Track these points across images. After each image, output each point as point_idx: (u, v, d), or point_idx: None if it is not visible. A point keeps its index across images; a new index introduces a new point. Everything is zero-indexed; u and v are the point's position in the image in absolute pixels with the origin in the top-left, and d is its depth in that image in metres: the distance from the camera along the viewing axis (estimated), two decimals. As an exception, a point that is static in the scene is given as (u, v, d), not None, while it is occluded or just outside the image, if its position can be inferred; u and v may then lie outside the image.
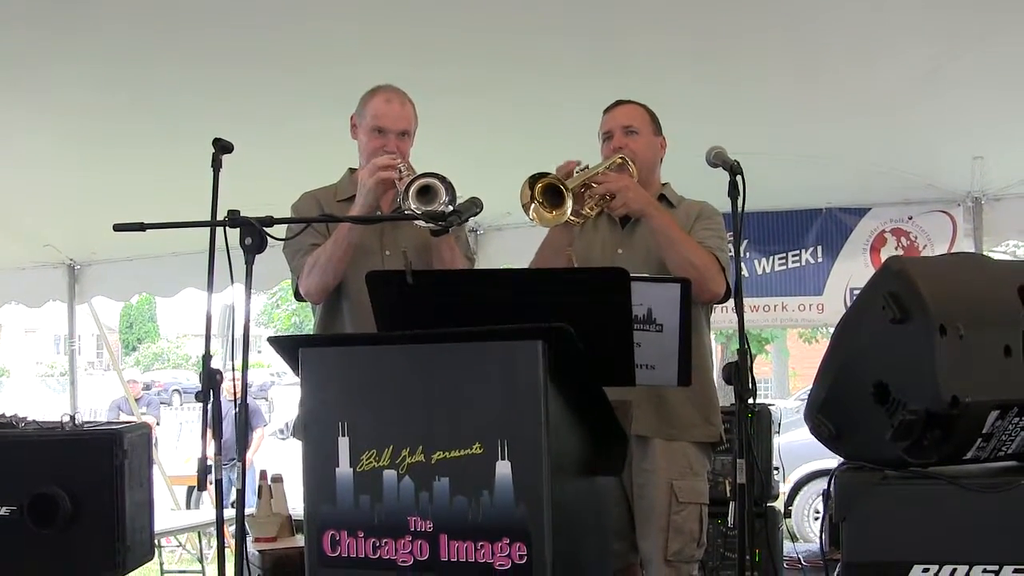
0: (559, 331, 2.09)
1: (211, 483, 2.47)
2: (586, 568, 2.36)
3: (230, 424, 2.68)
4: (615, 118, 3.09)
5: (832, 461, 2.43)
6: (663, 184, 3.14)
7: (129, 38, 3.77)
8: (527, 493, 2.06)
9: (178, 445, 8.62)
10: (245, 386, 2.39)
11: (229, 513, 3.11)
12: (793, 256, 5.87)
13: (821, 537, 2.33)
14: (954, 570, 2.06)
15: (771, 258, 5.89)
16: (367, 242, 2.94)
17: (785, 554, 4.97)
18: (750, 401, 2.41)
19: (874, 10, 3.62)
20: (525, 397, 2.08)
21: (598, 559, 2.50)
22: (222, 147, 2.66)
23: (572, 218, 2.88)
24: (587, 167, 2.95)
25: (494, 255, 5.96)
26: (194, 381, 23.67)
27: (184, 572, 6.83)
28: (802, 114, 4.45)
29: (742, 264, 2.59)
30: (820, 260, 5.83)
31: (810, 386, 2.61)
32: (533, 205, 2.85)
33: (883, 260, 3.03)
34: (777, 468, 4.61)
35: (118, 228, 2.51)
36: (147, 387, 16.71)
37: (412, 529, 2.14)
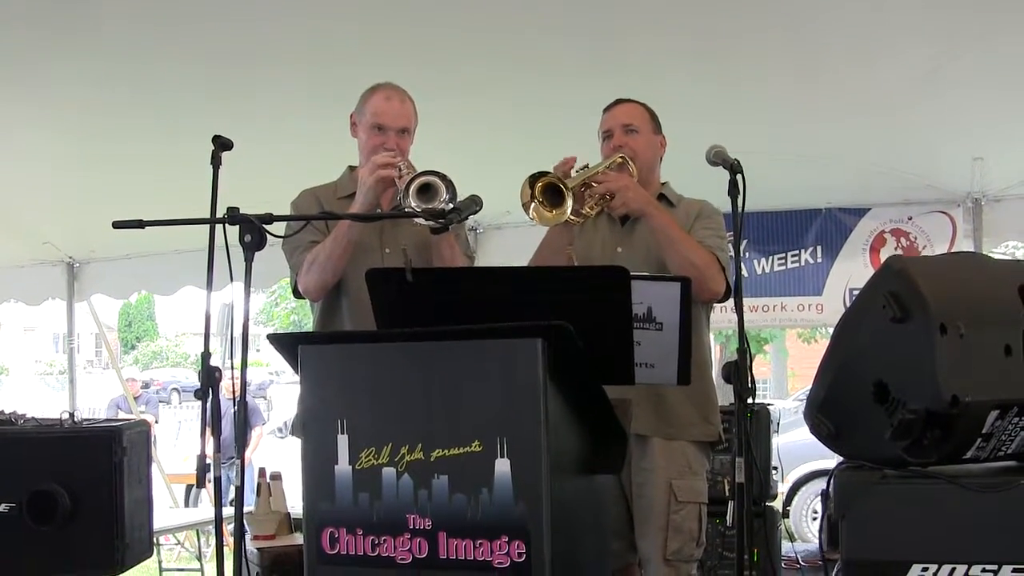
0: (559, 329, 2.09)
1: (210, 481, 2.47)
2: (585, 567, 2.36)
3: (229, 423, 2.67)
4: (615, 117, 3.09)
5: (830, 462, 2.42)
6: (663, 183, 3.14)
7: (129, 35, 3.77)
8: (526, 491, 2.06)
9: (177, 443, 8.63)
10: (244, 384, 2.39)
11: (228, 511, 3.12)
12: (792, 256, 5.87)
13: (820, 537, 2.33)
14: (953, 569, 2.06)
15: (770, 258, 5.89)
16: (367, 240, 2.94)
17: (783, 554, 4.98)
18: (749, 400, 2.41)
19: (874, 10, 3.62)
20: (524, 395, 2.08)
21: (597, 558, 2.50)
22: (222, 144, 2.66)
23: (572, 217, 2.88)
24: (587, 166, 2.95)
25: (493, 254, 5.95)
26: (193, 380, 23.65)
27: (183, 570, 6.82)
28: (802, 114, 4.45)
29: (741, 264, 2.59)
30: (819, 260, 5.82)
31: (809, 387, 2.61)
32: (533, 204, 2.85)
33: (883, 260, 3.03)
34: (776, 468, 4.60)
35: (117, 225, 2.50)
36: (146, 385, 16.71)
37: (411, 527, 2.14)
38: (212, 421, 2.45)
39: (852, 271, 5.68)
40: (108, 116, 4.48)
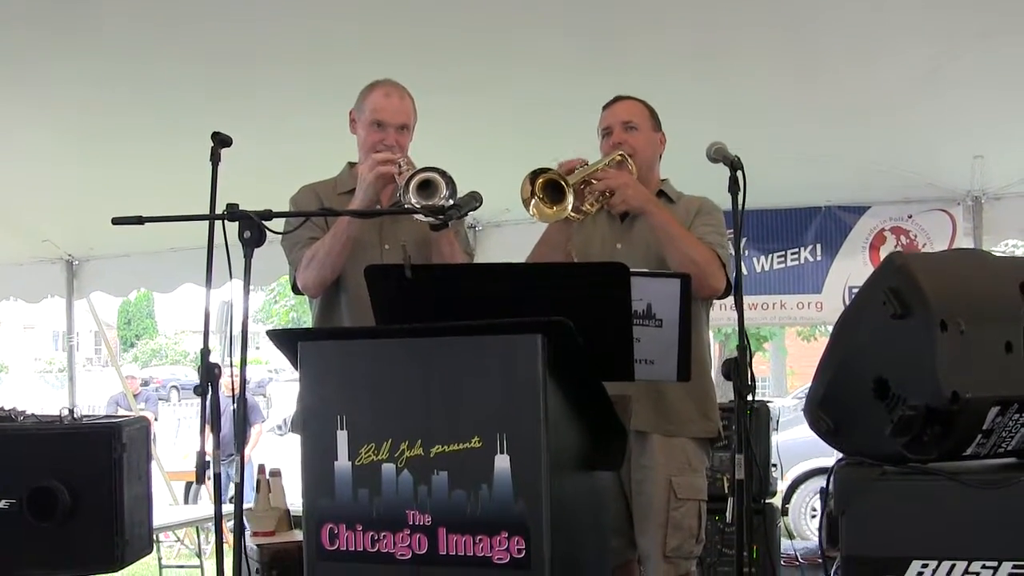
0: (559, 325, 2.09)
1: (209, 478, 2.47)
2: (584, 563, 2.36)
3: (228, 420, 2.67)
4: (614, 114, 3.08)
5: (829, 460, 2.42)
6: (662, 180, 3.13)
7: (129, 34, 3.77)
8: (526, 487, 2.06)
9: (176, 441, 8.64)
10: (244, 380, 2.39)
11: (228, 508, 3.11)
12: (792, 254, 5.87)
13: (820, 534, 2.33)
14: (953, 566, 2.06)
15: (770, 256, 5.89)
16: (366, 236, 2.94)
17: (782, 551, 4.98)
18: (749, 397, 2.41)
19: (874, 10, 3.62)
20: (524, 391, 2.08)
21: (596, 554, 2.50)
22: (221, 141, 2.65)
23: (572, 214, 2.87)
24: (586, 163, 2.95)
25: (493, 251, 5.95)
26: (192, 377, 23.64)
27: (183, 567, 6.82)
28: (802, 112, 4.45)
29: (741, 262, 2.59)
30: (819, 258, 5.82)
31: (808, 385, 2.61)
32: (534, 201, 2.85)
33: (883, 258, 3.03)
34: (775, 465, 4.60)
35: (116, 221, 2.50)
36: (145, 383, 16.69)
37: (410, 523, 2.14)
38: (212, 418, 2.45)
39: (852, 269, 5.67)
40: (108, 115, 4.48)
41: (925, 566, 2.07)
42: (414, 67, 3.45)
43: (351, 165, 3.11)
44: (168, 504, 7.26)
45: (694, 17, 3.73)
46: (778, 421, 4.83)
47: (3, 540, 3.04)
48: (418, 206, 2.64)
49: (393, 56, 3.76)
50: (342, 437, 2.20)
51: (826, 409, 2.33)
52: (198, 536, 6.54)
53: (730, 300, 2.76)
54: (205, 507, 6.61)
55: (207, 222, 2.54)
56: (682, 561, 2.90)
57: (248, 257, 2.42)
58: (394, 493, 2.15)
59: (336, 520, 2.20)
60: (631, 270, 2.35)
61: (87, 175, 5.24)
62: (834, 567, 2.25)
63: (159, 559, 6.34)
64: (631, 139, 3.03)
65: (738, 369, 2.40)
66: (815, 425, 2.37)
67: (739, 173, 2.52)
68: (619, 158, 2.99)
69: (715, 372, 3.24)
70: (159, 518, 4.48)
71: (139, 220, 2.49)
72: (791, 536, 6.71)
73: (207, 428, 2.45)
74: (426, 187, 2.70)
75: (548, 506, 2.05)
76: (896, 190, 5.40)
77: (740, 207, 2.48)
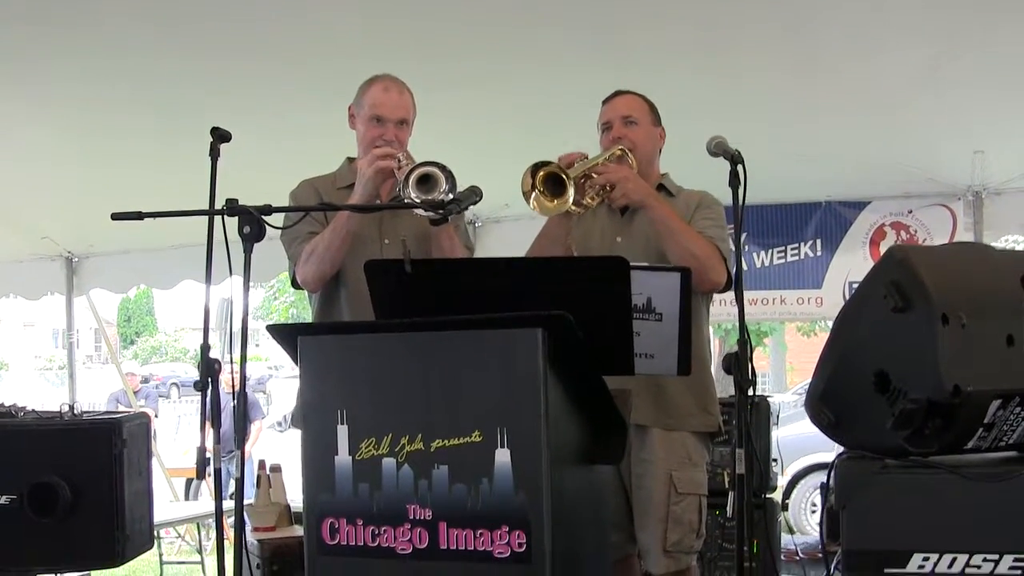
0: (559, 319, 2.09)
1: (210, 474, 2.46)
2: (585, 557, 2.36)
3: (228, 416, 2.67)
4: (614, 108, 3.08)
5: (829, 455, 2.42)
6: (662, 174, 3.13)
7: (129, 32, 3.76)
8: (526, 481, 2.06)
9: (176, 438, 8.63)
10: (244, 376, 2.39)
11: (228, 504, 3.11)
12: (792, 249, 5.86)
13: (821, 528, 2.33)
14: (954, 559, 2.06)
15: (770, 251, 5.89)
16: (365, 231, 2.93)
17: (782, 546, 4.98)
18: (750, 391, 2.40)
19: (874, 10, 3.62)
20: (525, 385, 2.08)
21: (596, 549, 2.50)
22: (220, 136, 2.65)
23: (573, 208, 2.87)
24: (585, 157, 2.94)
25: (492, 248, 5.94)
26: (192, 374, 23.66)
27: (183, 563, 6.83)
28: (802, 108, 4.45)
29: (741, 257, 2.59)
30: (819, 253, 5.81)
31: (808, 380, 2.60)
32: (534, 194, 2.84)
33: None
34: (775, 460, 4.61)
35: (116, 217, 2.50)
36: (145, 380, 16.72)
37: (411, 517, 2.14)
38: (212, 413, 2.45)
39: (852, 264, 5.67)
40: (108, 112, 4.48)
41: (926, 559, 2.07)
42: (414, 62, 3.44)
43: (350, 160, 3.10)
44: (169, 501, 7.27)
45: (695, 13, 3.72)
46: (778, 416, 4.83)
47: (4, 536, 3.04)
48: (418, 201, 2.64)
49: (393, 51, 3.76)
50: (342, 432, 2.20)
51: (827, 402, 2.32)
52: (199, 532, 6.55)
53: (730, 295, 2.75)
54: (206, 503, 6.62)
55: (206, 218, 2.53)
56: (682, 556, 2.90)
57: (248, 252, 2.42)
58: (394, 487, 2.15)
59: (337, 515, 2.19)
60: (631, 264, 2.34)
61: (87, 172, 5.25)
62: (834, 561, 2.25)
63: (160, 555, 6.35)
64: (631, 133, 3.03)
65: (739, 363, 2.40)
66: (816, 418, 2.37)
67: (739, 167, 2.51)
68: (619, 153, 2.99)
69: (715, 367, 3.24)
70: (160, 515, 4.49)
71: (139, 216, 2.49)
72: (791, 531, 6.72)
73: (207, 424, 2.45)
74: (426, 181, 2.69)
75: (549, 500, 2.05)
76: (896, 185, 5.40)
77: (740, 201, 2.48)
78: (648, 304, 2.57)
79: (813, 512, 7.24)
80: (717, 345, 14.49)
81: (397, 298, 2.39)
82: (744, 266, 3.16)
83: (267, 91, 4.26)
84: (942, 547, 2.07)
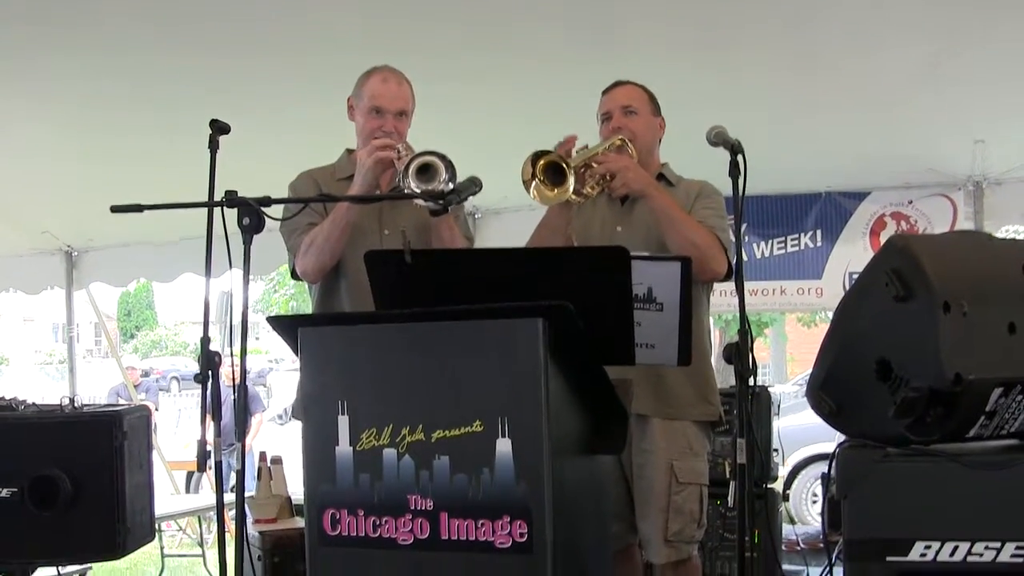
0: (559, 309, 2.08)
1: (210, 467, 2.46)
2: (585, 548, 2.36)
3: (229, 409, 2.67)
4: (614, 98, 3.08)
5: (829, 445, 2.42)
6: (662, 164, 3.12)
7: (129, 28, 3.76)
8: (528, 471, 2.06)
9: (177, 431, 8.62)
10: (244, 369, 2.39)
11: (229, 497, 3.11)
12: (792, 240, 5.85)
13: (823, 518, 2.33)
14: (956, 547, 2.05)
15: (770, 242, 5.88)
16: (365, 222, 2.93)
17: (784, 536, 4.99)
18: (751, 381, 2.40)
19: (874, 5, 3.61)
20: (525, 375, 2.08)
21: (597, 539, 2.50)
22: (219, 128, 2.65)
23: (573, 197, 2.87)
24: (586, 147, 2.94)
25: (492, 239, 5.93)
26: (192, 368, 23.58)
27: (184, 556, 6.84)
28: (802, 104, 4.44)
29: (741, 247, 2.58)
30: (819, 244, 5.80)
31: (808, 371, 2.60)
32: (534, 183, 2.84)
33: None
34: (776, 450, 4.61)
35: (115, 209, 2.50)
36: (145, 374, 16.71)
37: (412, 507, 2.14)
38: (212, 406, 2.45)
39: (852, 255, 5.66)
40: (108, 108, 4.48)
41: (928, 547, 2.06)
42: (414, 56, 3.42)
43: (349, 152, 3.10)
44: (170, 494, 7.27)
45: (695, 11, 3.72)
46: (779, 407, 4.83)
47: (5, 529, 3.04)
48: (417, 191, 2.64)
49: (393, 45, 3.73)
50: (343, 422, 2.19)
51: (828, 391, 2.32)
52: (200, 525, 6.55)
53: (730, 286, 2.76)
54: (207, 496, 6.63)
55: (206, 210, 2.53)
56: (683, 545, 2.90)
57: (247, 244, 2.42)
58: (395, 478, 2.15)
59: (338, 505, 2.19)
60: (632, 253, 2.34)
61: (87, 168, 5.24)
62: (836, 551, 2.25)
63: (161, 548, 6.36)
64: (631, 123, 3.02)
65: (739, 353, 2.40)
66: (818, 407, 2.36)
67: (740, 157, 2.51)
68: (619, 143, 2.99)
69: (715, 357, 3.23)
70: (161, 508, 4.49)
71: (138, 208, 2.48)
72: (792, 521, 6.73)
73: (208, 417, 2.45)
74: (425, 171, 2.69)
75: (550, 490, 2.05)
76: (897, 175, 5.39)
77: (741, 191, 2.47)
78: (649, 294, 2.57)
79: (814, 502, 7.26)
80: (717, 336, 14.50)
81: (397, 289, 2.39)
82: (744, 257, 3.16)
83: (267, 87, 4.26)
84: (944, 535, 2.06)
